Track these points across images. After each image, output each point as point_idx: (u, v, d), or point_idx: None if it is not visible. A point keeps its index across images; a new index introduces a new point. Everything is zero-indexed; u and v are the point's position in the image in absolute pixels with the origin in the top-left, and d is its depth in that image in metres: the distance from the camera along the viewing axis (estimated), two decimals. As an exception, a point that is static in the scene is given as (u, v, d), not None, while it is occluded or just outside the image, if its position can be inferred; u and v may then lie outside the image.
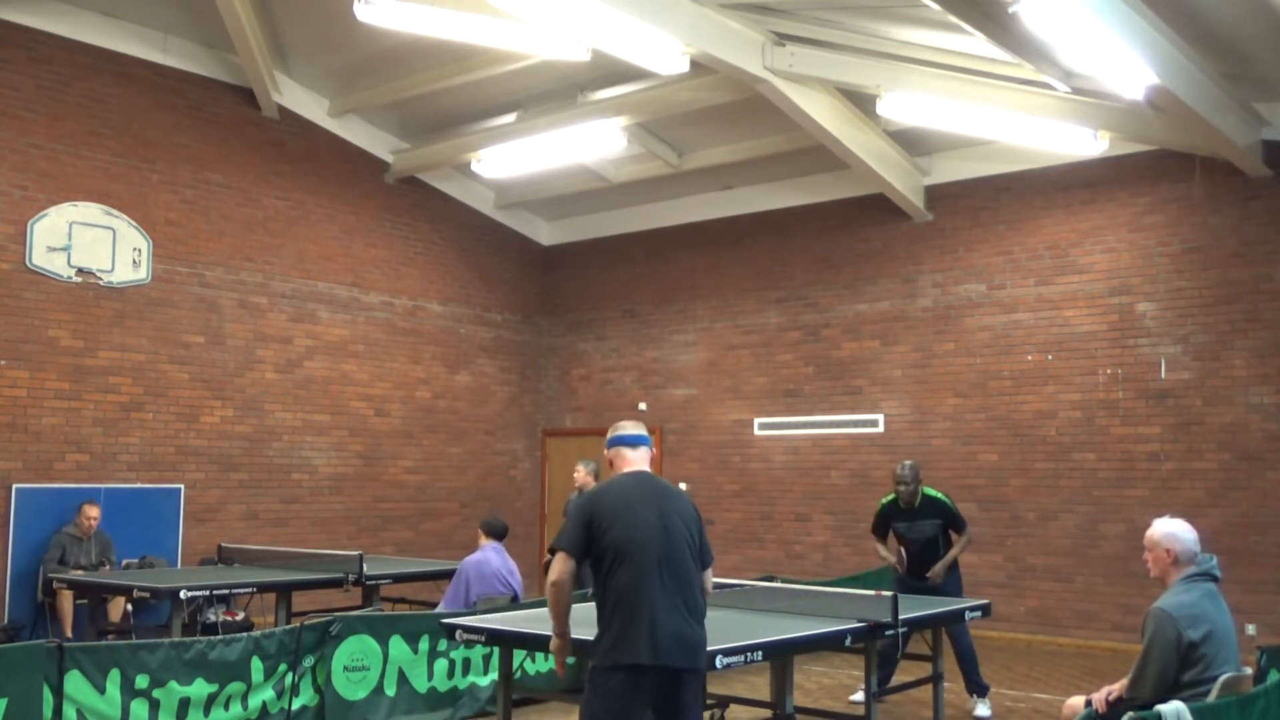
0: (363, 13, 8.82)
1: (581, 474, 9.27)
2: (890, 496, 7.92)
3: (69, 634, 9.15)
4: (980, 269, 11.57)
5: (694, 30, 9.00)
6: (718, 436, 13.35)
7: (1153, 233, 10.60)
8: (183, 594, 7.43)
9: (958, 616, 6.80)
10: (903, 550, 7.90)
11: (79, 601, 9.29)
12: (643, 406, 13.98)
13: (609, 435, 4.58)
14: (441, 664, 7.18)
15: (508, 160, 12.22)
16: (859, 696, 7.83)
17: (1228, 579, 5.02)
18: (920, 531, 7.71)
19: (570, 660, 4.45)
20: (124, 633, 9.10)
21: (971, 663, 7.59)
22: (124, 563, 10.06)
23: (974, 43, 8.81)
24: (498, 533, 8.29)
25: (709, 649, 4.59)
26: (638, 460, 4.47)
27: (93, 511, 9.67)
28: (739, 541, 12.98)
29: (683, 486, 13.50)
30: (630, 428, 4.59)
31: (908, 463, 7.87)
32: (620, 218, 14.37)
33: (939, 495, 7.83)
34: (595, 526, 4.21)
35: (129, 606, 9.37)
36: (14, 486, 9.76)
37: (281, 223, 12.07)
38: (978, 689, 7.63)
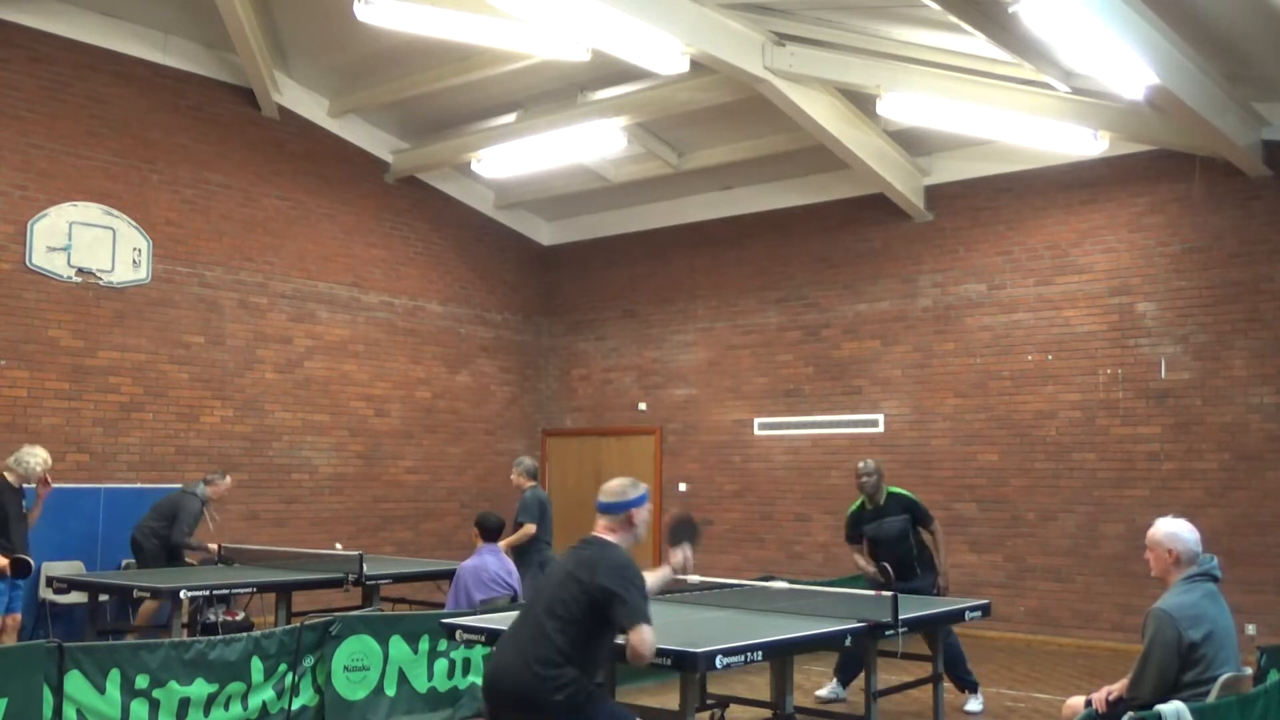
0: (363, 13, 8.82)
1: (514, 475, 9.59)
2: (857, 503, 8.12)
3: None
4: (980, 269, 11.57)
5: (694, 30, 9.00)
6: (718, 436, 13.34)
7: (1153, 233, 10.60)
8: (183, 594, 7.43)
9: (958, 616, 6.79)
10: (877, 555, 7.98)
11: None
12: (643, 406, 13.99)
13: None
14: (441, 664, 7.18)
15: (508, 160, 12.22)
16: (824, 691, 7.91)
17: (1228, 579, 5.01)
18: (890, 529, 7.86)
19: None
20: (120, 633, 9.10)
21: (958, 663, 7.62)
22: (124, 563, 10.06)
23: (974, 43, 8.81)
24: (492, 531, 8.18)
25: (709, 649, 4.65)
26: (600, 527, 4.44)
27: (229, 483, 9.85)
28: (739, 541, 12.98)
29: (682, 488, 13.52)
30: (608, 493, 4.49)
31: (870, 459, 8.23)
32: (620, 218, 14.37)
33: (902, 491, 8.06)
34: None
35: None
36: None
37: (281, 223, 12.07)
38: (968, 685, 7.67)
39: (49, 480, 8.29)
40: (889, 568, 7.81)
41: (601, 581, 4.09)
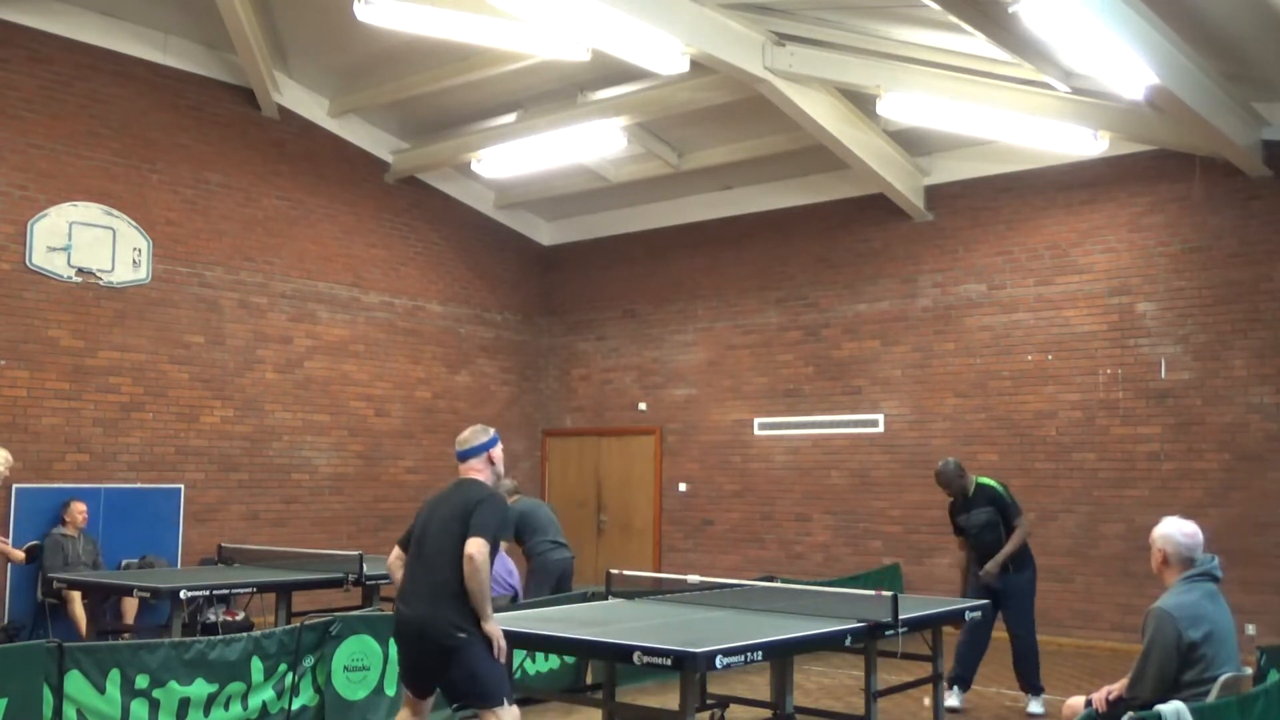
0: (363, 13, 8.83)
1: None
2: None
3: (84, 635, 9.13)
4: (980, 269, 11.57)
5: (694, 30, 9.00)
6: (718, 436, 13.34)
7: (1153, 233, 10.60)
8: (183, 594, 7.43)
9: (958, 616, 6.79)
10: (970, 546, 7.97)
11: (84, 601, 9.28)
12: (643, 406, 13.99)
13: None
14: (441, 664, 7.17)
15: (508, 160, 12.22)
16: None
17: (1228, 579, 5.01)
18: (976, 520, 7.82)
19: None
20: (132, 633, 9.10)
21: (1030, 663, 7.64)
22: (124, 563, 10.06)
23: (974, 43, 8.82)
24: None
25: (709, 649, 4.63)
26: (465, 470, 5.09)
27: (81, 506, 9.75)
28: (739, 541, 12.98)
29: (682, 488, 13.51)
30: (462, 440, 5.13)
31: (950, 460, 8.06)
32: (620, 218, 14.37)
33: (990, 482, 7.96)
34: None
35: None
36: (14, 486, 9.74)
37: (281, 223, 12.07)
38: (1032, 689, 7.64)
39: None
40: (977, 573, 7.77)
41: (473, 499, 4.78)
